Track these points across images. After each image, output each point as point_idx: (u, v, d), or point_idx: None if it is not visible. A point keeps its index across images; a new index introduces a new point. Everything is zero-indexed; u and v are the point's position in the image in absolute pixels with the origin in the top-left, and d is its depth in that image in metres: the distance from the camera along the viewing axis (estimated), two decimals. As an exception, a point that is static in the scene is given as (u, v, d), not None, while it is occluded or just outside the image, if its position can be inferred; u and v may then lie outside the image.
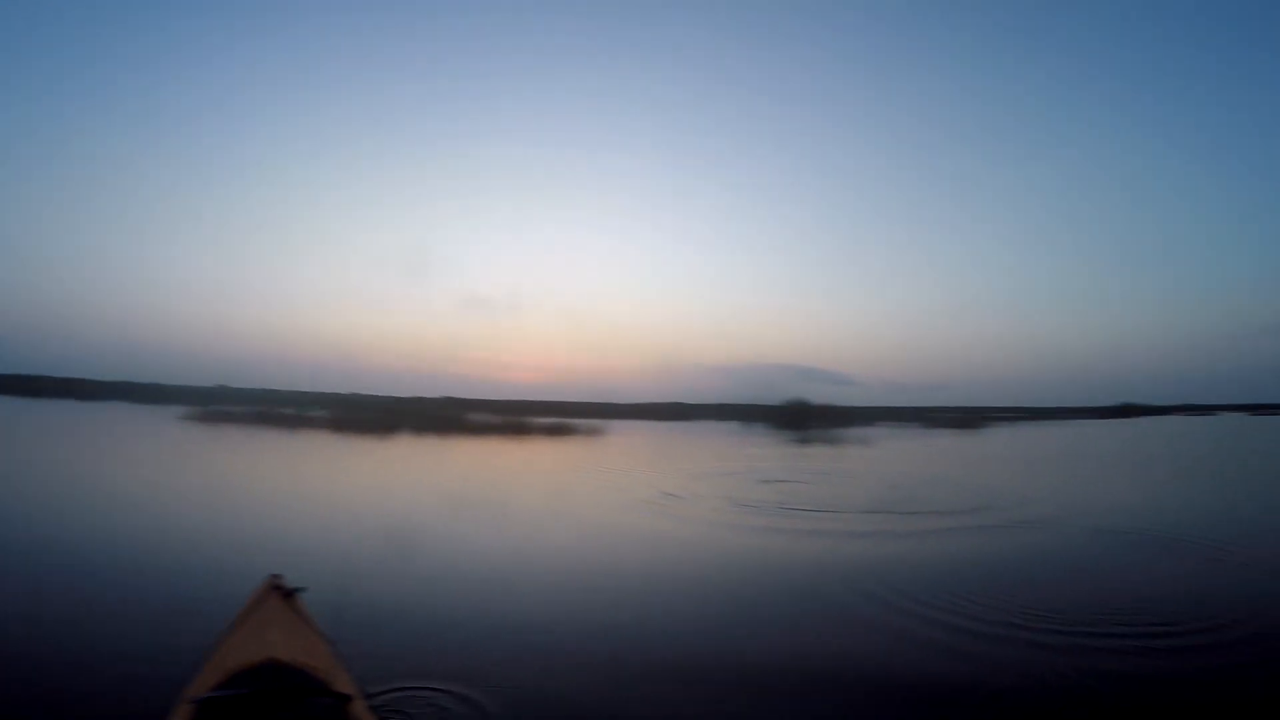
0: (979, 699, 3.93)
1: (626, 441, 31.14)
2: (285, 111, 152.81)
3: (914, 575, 6.76)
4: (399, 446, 24.77)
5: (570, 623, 5.02)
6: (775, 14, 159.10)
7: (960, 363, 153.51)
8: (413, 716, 3.47)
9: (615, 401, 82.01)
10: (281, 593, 3.30)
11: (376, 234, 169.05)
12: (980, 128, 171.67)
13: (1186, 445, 33.67)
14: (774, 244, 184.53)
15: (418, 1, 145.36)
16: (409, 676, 3.86)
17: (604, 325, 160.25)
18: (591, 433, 34.77)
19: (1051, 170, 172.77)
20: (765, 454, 25.22)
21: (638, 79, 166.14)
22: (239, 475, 15.26)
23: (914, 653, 4.64)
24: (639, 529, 9.40)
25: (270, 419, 36.51)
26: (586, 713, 3.66)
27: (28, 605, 5.13)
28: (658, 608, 5.55)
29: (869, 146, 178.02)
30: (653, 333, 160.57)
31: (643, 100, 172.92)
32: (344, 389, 56.42)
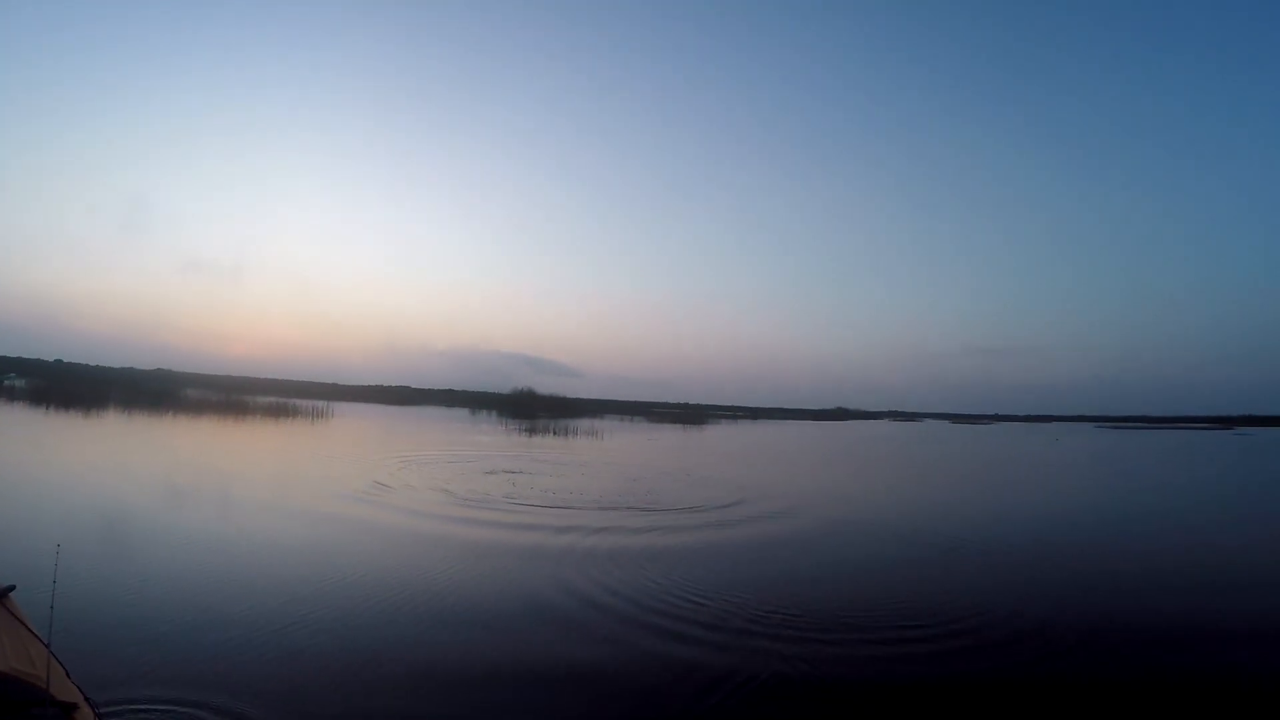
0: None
1: (350, 425, 31.57)
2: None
3: (643, 573, 7.14)
4: (108, 423, 24.25)
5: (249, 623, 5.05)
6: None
7: (683, 361, 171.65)
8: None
9: (340, 382, 79.66)
10: None
11: (87, 180, 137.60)
12: (713, 133, 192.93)
13: (897, 446, 38.07)
14: (502, 231, 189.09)
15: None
16: (131, 686, 3.75)
17: (330, 302, 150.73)
18: (314, 414, 34.92)
19: (781, 184, 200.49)
20: (494, 442, 25.68)
21: (369, 38, 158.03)
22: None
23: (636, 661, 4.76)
24: (353, 522, 9.33)
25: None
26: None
27: None
28: (344, 608, 5.56)
29: (603, 139, 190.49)
30: (380, 313, 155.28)
31: (379, 67, 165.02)
32: (48, 355, 48.93)
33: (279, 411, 34.79)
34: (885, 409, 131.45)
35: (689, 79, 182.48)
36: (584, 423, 46.05)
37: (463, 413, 59.19)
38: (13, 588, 3.02)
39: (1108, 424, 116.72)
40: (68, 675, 2.68)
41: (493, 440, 27.08)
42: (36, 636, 2.81)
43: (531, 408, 66.13)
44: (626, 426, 48.32)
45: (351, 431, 28.34)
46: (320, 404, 42.20)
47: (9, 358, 47.18)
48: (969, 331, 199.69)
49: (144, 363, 61.48)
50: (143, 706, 3.49)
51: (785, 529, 10.36)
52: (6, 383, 35.80)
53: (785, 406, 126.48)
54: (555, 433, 33.57)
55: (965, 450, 36.54)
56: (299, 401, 41.65)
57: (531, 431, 33.60)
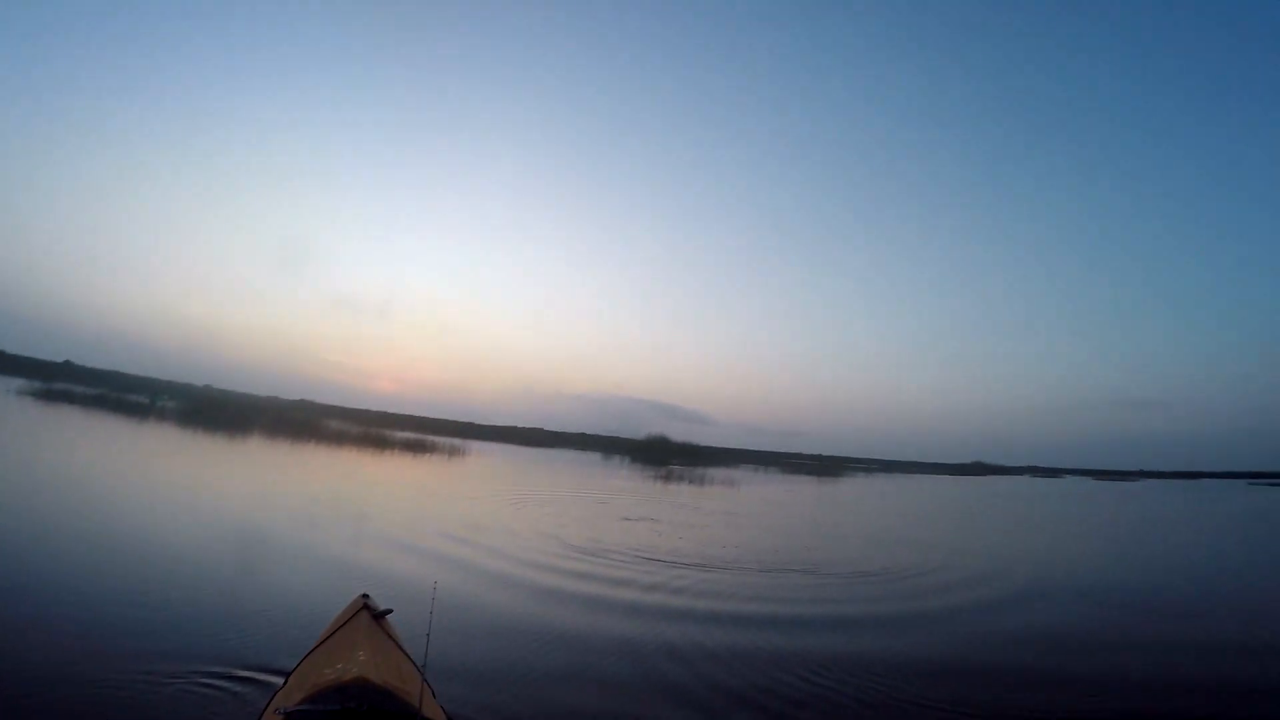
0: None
1: (484, 465, 31.26)
2: (160, 88, 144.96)
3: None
4: (248, 448, 24.36)
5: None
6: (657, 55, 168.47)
7: (817, 411, 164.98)
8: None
9: (477, 421, 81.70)
10: (371, 613, 3.31)
11: (248, 222, 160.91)
12: (859, 187, 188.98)
13: (1051, 503, 35.77)
14: (640, 278, 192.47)
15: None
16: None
17: (471, 343, 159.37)
18: (450, 451, 34.82)
19: (917, 234, 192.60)
20: (627, 486, 24.72)
21: (525, 98, 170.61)
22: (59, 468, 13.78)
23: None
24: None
25: (114, 404, 35.25)
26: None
27: None
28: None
29: (741, 193, 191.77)
30: (518, 357, 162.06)
31: (524, 123, 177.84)
32: (198, 380, 54.16)
33: (415, 447, 34.80)
34: (1024, 464, 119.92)
35: (829, 128, 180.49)
36: (717, 471, 45.00)
37: (595, 456, 58.62)
38: (390, 611, 3.46)
39: (1264, 480, 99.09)
40: (434, 696, 2.91)
41: (626, 485, 25.94)
42: (409, 657, 3.12)
43: (664, 454, 63.93)
44: (760, 476, 47.08)
45: (486, 472, 28.24)
46: (456, 442, 42.34)
47: (162, 380, 52.28)
48: (1113, 382, 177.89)
49: (288, 393, 65.70)
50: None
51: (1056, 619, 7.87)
52: (159, 404, 38.36)
53: (920, 460, 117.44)
54: (689, 480, 32.76)
55: (1123, 508, 34.45)
56: (435, 438, 41.99)
57: (665, 478, 32.97)
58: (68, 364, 64.64)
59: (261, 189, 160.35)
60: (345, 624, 3.16)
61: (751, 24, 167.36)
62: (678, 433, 75.13)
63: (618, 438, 73.13)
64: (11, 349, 70.36)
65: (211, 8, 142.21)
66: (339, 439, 34.16)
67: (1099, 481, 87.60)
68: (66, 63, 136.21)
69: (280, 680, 3.08)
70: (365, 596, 3.53)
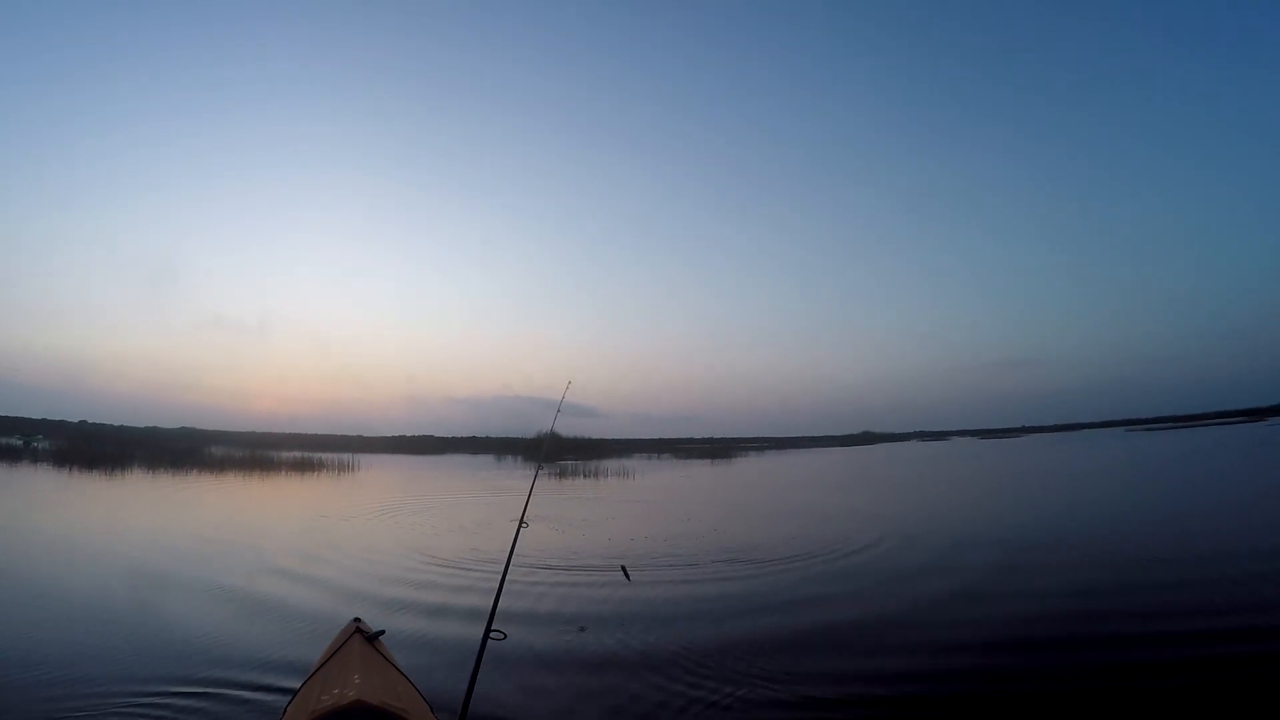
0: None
1: (369, 478, 31.03)
2: (24, 77, 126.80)
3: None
4: (129, 483, 23.92)
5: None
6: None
7: (705, 395, 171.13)
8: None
9: (365, 434, 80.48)
10: (364, 636, 3.38)
11: (110, 239, 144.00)
12: (718, 171, 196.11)
13: (947, 465, 36.89)
14: (515, 275, 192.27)
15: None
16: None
17: (353, 356, 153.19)
18: (339, 467, 34.65)
19: (787, 210, 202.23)
20: (518, 485, 24.84)
21: (388, 100, 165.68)
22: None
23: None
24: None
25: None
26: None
27: None
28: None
29: (612, 176, 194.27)
30: (400, 365, 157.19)
31: (392, 123, 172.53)
32: (72, 416, 49.87)
33: (302, 466, 34.56)
34: (912, 429, 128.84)
35: (694, 101, 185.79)
36: (611, 463, 45.23)
37: (488, 459, 58.97)
38: (383, 632, 3.50)
39: (1139, 426, 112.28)
40: (432, 712, 2.89)
41: (517, 483, 26.29)
42: (405, 676, 3.13)
43: (556, 451, 62.62)
44: (655, 464, 47.64)
45: (379, 484, 27.95)
46: (346, 456, 41.97)
47: (34, 419, 48.21)
48: (990, 345, 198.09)
49: (169, 422, 62.25)
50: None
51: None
52: (33, 444, 36.38)
53: (811, 434, 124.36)
54: (585, 474, 32.82)
55: (1002, 465, 35.71)
56: (322, 454, 41.46)
57: (560, 474, 32.84)
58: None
59: (124, 200, 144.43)
60: (339, 649, 3.23)
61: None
62: (568, 428, 73.49)
63: (509, 438, 73.06)
64: None
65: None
66: (222, 465, 33.44)
67: (984, 440, 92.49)
68: None
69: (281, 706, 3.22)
70: (357, 620, 3.62)
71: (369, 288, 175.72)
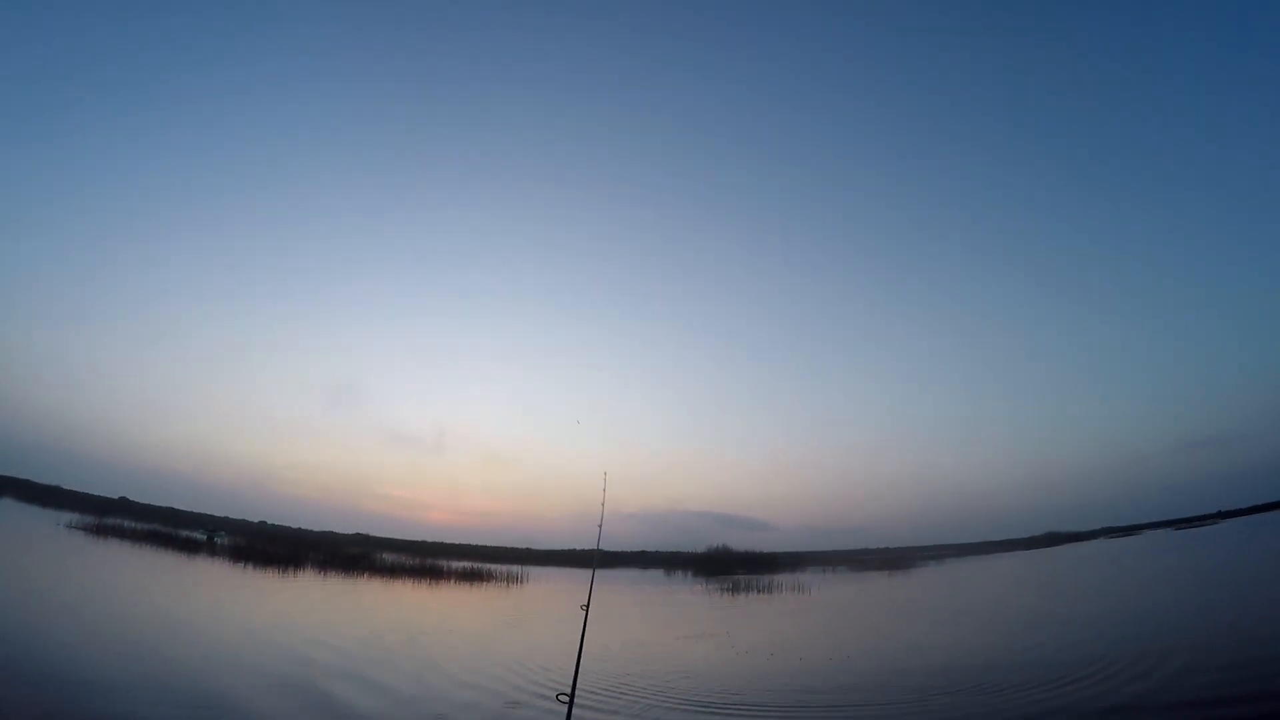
0: None
1: (542, 590, 29.92)
2: (212, 225, 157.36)
3: None
4: (299, 584, 23.25)
5: None
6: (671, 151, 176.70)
7: (877, 503, 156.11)
8: None
9: (534, 547, 79.67)
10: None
11: (299, 360, 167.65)
12: (880, 275, 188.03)
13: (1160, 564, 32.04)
14: (685, 392, 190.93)
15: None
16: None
17: (524, 470, 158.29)
18: (507, 579, 33.54)
19: (950, 310, 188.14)
20: (695, 601, 23.40)
21: (554, 227, 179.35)
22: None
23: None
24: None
25: (165, 539, 34.47)
26: None
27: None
28: None
29: (776, 298, 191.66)
30: (570, 481, 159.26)
31: (561, 252, 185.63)
32: (253, 516, 53.82)
33: (471, 576, 33.35)
34: (1099, 526, 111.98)
35: (855, 209, 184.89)
36: (783, 576, 42.04)
37: (657, 573, 56.17)
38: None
39: None
40: None
41: (693, 599, 24.76)
42: None
43: (726, 564, 61.16)
44: (828, 577, 44.90)
45: (544, 593, 27.17)
46: (514, 569, 40.40)
47: (218, 516, 51.60)
48: (1172, 425, 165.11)
49: (344, 528, 64.58)
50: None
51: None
52: (215, 539, 37.81)
53: (990, 539, 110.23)
54: (759, 589, 30.77)
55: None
56: (492, 565, 40.41)
57: (732, 590, 30.95)
58: (123, 500, 65.10)
59: (316, 326, 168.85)
60: None
61: (762, 99, 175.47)
62: (740, 541, 73.89)
63: (678, 552, 71.39)
64: (69, 485, 71.74)
65: (263, 155, 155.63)
66: (394, 571, 32.92)
67: (1179, 531, 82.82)
68: (115, 208, 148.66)
69: None
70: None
71: (538, 405, 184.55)
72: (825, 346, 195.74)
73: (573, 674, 5.19)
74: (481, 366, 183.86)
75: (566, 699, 3.67)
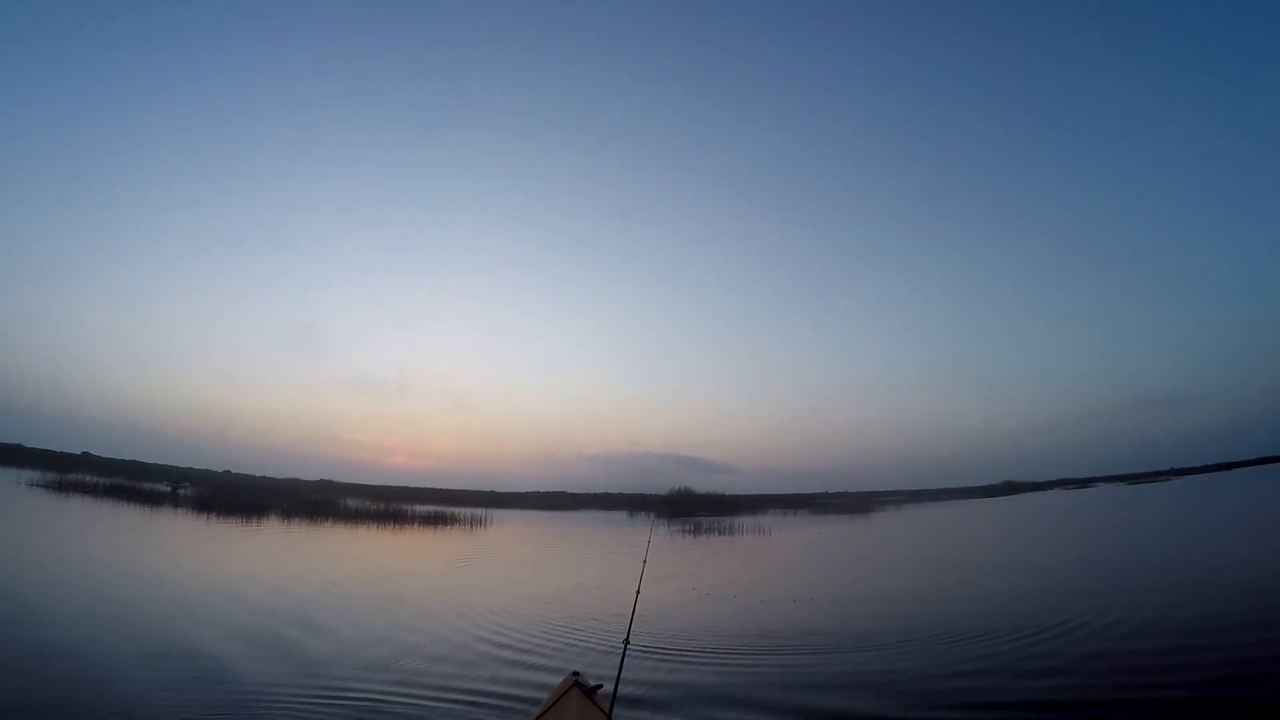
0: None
1: (506, 533, 30.32)
2: (178, 178, 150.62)
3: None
4: (264, 532, 23.51)
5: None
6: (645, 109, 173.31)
7: (839, 449, 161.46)
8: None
9: (498, 490, 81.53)
10: (581, 689, 3.43)
11: (259, 306, 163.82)
12: (852, 223, 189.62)
13: (1116, 513, 33.61)
14: (646, 334, 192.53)
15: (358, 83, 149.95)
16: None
17: (488, 413, 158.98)
18: (472, 521, 33.81)
19: (918, 262, 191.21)
20: (656, 543, 23.47)
21: (521, 172, 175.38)
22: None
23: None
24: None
25: (129, 492, 34.72)
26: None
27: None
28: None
29: (742, 245, 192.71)
30: (533, 422, 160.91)
31: (521, 196, 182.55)
32: (217, 465, 53.84)
33: (436, 519, 33.80)
34: (1054, 478, 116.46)
35: (823, 158, 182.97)
36: (745, 519, 43.65)
37: (621, 515, 57.01)
38: (600, 686, 3.56)
39: None
40: None
41: (656, 541, 24.41)
42: None
43: (690, 506, 63.72)
44: (789, 520, 45.67)
45: (504, 539, 27.07)
46: (479, 511, 41.14)
47: (181, 467, 52.02)
48: (1132, 383, 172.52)
49: (308, 474, 65.16)
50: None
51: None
52: (180, 490, 38.22)
53: (949, 486, 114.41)
54: (721, 531, 31.51)
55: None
56: (457, 509, 40.88)
57: (695, 531, 31.67)
58: (85, 455, 64.59)
59: (275, 274, 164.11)
60: (557, 702, 3.32)
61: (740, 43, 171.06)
62: (702, 484, 76.01)
63: (642, 494, 72.45)
64: (30, 443, 70.53)
65: (224, 104, 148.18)
66: (358, 516, 33.22)
67: (1132, 486, 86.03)
68: (71, 161, 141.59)
69: None
70: (576, 674, 3.65)
71: (501, 347, 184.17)
72: (783, 294, 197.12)
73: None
74: (443, 311, 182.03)
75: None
